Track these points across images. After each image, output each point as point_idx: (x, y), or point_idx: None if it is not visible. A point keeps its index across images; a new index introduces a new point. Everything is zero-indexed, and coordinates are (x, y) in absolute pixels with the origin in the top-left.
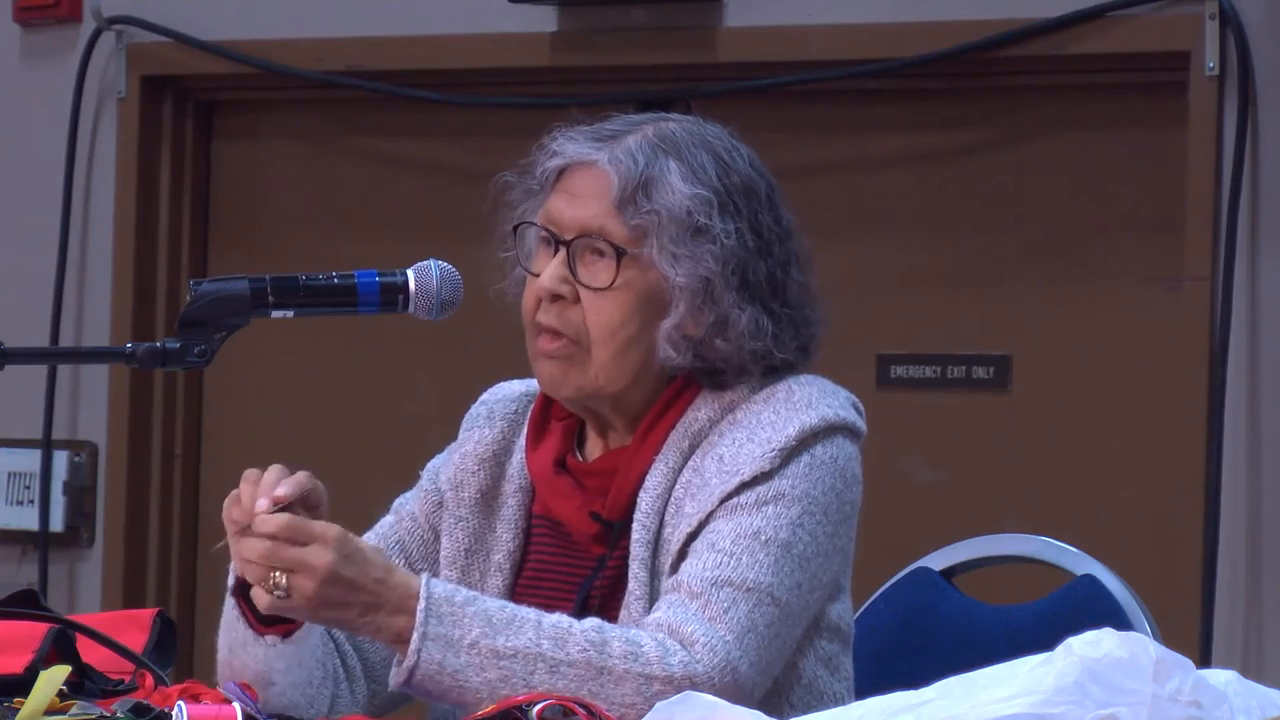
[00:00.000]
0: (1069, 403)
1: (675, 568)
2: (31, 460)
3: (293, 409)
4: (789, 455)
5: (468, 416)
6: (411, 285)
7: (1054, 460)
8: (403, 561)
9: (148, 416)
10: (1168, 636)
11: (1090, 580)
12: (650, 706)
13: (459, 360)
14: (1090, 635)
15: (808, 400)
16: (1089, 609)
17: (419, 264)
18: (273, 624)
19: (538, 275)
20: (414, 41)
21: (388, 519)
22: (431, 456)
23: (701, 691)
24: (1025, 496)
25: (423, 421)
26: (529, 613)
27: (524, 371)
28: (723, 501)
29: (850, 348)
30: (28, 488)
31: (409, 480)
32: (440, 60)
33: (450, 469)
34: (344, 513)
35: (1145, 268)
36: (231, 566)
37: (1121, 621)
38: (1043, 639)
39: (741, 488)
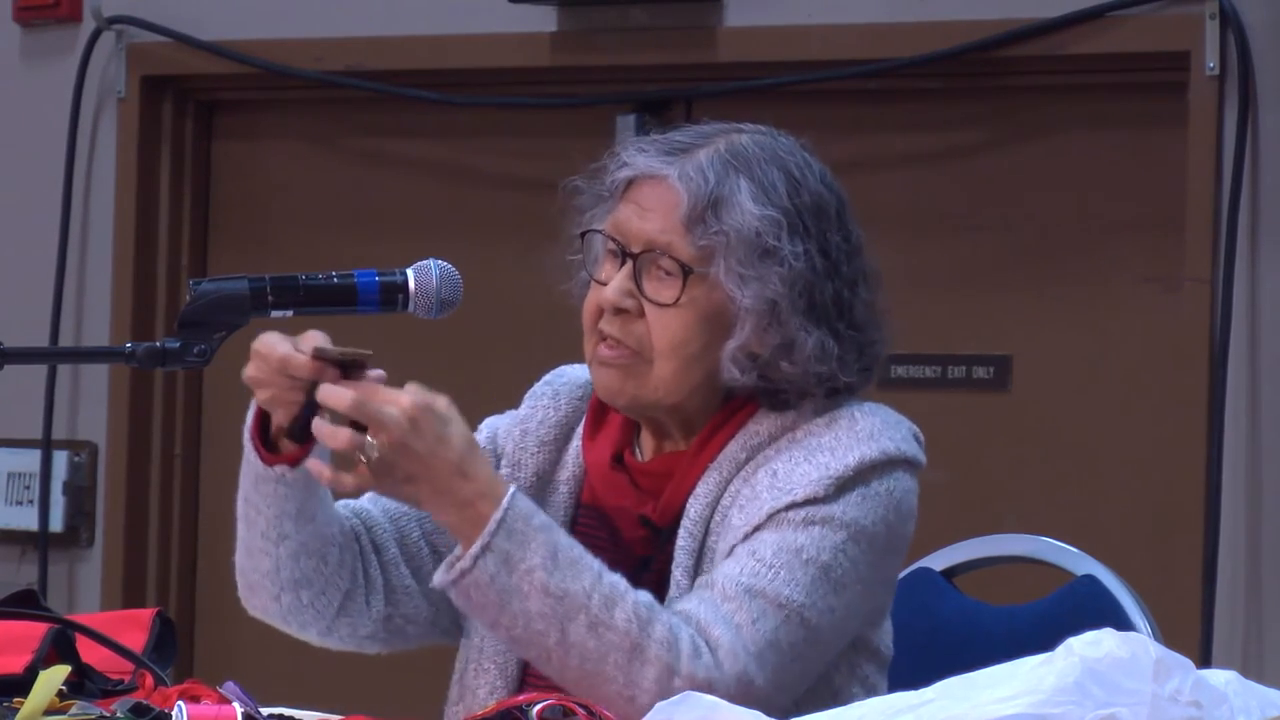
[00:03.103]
0: (1069, 403)
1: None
2: (31, 460)
3: None
4: (844, 486)
5: (532, 393)
6: (411, 285)
7: (1054, 460)
8: None
9: (148, 416)
10: (1168, 636)
11: (1090, 580)
12: (662, 697)
13: (459, 360)
14: (1090, 635)
15: (870, 431)
16: (1089, 609)
17: (418, 263)
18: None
19: (602, 283)
20: (414, 41)
21: None
22: None
23: (716, 695)
24: (1025, 496)
25: None
26: (594, 563)
27: (525, 369)
28: (770, 516)
29: None
30: (28, 488)
31: None
32: (440, 60)
33: (510, 442)
34: None
35: (1145, 268)
36: (253, 403)
37: (1121, 621)
38: (1043, 639)
39: (791, 506)
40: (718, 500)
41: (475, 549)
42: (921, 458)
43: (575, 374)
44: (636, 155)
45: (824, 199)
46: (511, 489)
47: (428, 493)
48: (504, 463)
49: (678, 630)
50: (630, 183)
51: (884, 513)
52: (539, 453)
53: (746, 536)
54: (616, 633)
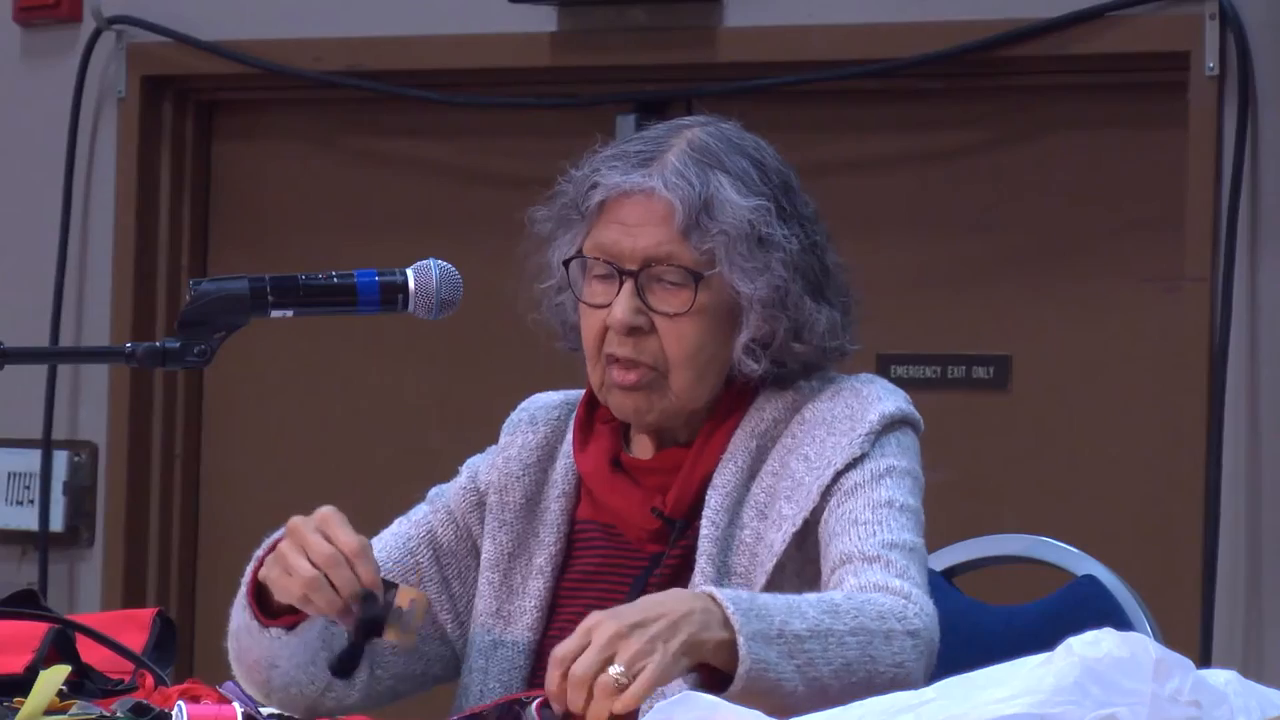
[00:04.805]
0: (1069, 403)
1: (784, 568)
2: (31, 460)
3: (292, 409)
4: (876, 437)
5: (509, 423)
6: (411, 284)
7: (1054, 460)
8: (431, 551)
9: (148, 416)
10: (1168, 636)
11: (1090, 580)
12: (919, 664)
13: (458, 360)
14: (1090, 635)
15: (877, 394)
16: (1089, 609)
17: (418, 263)
18: (277, 617)
19: (597, 306)
20: (414, 41)
21: (423, 507)
22: (430, 456)
23: (927, 645)
24: (1025, 496)
25: (422, 421)
26: (788, 597)
27: (524, 369)
28: (824, 494)
29: None
30: (28, 488)
31: (410, 479)
32: (440, 60)
33: (494, 473)
34: (346, 510)
35: (1145, 268)
36: (249, 568)
37: (1121, 621)
38: (1043, 639)
39: (841, 473)
40: (743, 491)
41: (743, 646)
42: (922, 423)
43: (546, 398)
44: (608, 174)
45: (785, 174)
46: (706, 587)
47: (665, 624)
48: (490, 497)
49: (874, 599)
50: (603, 203)
51: (916, 469)
52: (524, 476)
53: (808, 523)
54: (858, 634)
